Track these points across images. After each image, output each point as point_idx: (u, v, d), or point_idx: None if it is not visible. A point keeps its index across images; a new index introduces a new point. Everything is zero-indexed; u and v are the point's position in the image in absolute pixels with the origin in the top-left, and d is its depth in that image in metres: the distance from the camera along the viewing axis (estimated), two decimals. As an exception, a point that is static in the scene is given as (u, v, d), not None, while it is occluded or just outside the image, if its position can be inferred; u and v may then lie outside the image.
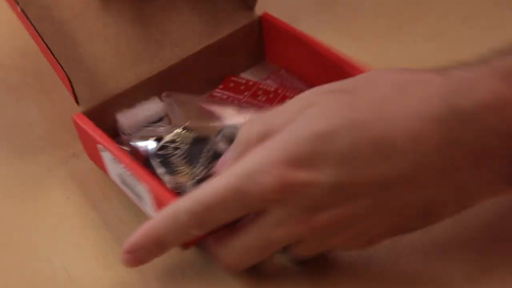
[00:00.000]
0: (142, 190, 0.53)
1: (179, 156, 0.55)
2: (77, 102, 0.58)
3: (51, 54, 0.56)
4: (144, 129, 0.59)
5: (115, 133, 0.59)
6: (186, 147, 0.55)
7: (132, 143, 0.57)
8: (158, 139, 0.56)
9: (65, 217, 0.56)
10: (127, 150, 0.57)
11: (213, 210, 0.47)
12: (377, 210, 0.46)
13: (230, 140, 0.54)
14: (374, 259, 0.53)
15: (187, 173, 0.54)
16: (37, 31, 0.56)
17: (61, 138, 0.59)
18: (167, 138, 0.56)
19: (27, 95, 0.64)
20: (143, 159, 0.56)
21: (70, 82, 0.56)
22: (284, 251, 0.50)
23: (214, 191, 0.47)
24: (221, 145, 0.55)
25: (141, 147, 0.56)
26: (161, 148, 0.56)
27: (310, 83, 0.60)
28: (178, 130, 0.57)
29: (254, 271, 0.53)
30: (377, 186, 0.46)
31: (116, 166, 0.55)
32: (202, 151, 0.55)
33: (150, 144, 0.56)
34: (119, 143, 0.57)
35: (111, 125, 0.59)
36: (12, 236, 0.56)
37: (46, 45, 0.56)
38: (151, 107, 0.60)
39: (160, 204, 0.52)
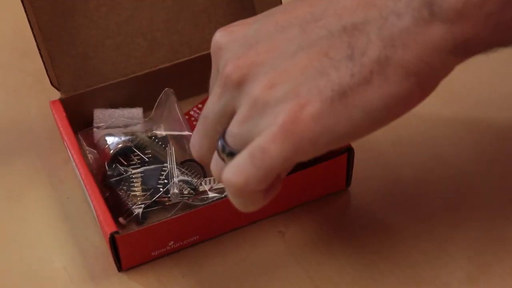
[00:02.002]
0: (91, 205, 0.54)
1: (137, 173, 0.55)
2: (54, 86, 0.57)
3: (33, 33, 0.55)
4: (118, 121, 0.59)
5: (91, 125, 0.59)
6: (145, 167, 0.55)
7: (100, 141, 0.57)
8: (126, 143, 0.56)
9: (65, 217, 0.56)
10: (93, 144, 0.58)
11: None
12: (305, 41, 0.44)
13: (181, 189, 0.55)
14: (374, 259, 0.53)
15: (138, 194, 0.55)
16: (24, 8, 0.55)
17: (61, 138, 0.59)
18: (140, 137, 0.56)
19: (27, 95, 0.64)
20: (106, 159, 0.56)
21: (45, 66, 0.56)
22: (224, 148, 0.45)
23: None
24: (174, 191, 0.55)
25: (106, 146, 0.56)
26: (124, 152, 0.56)
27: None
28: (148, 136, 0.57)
29: (254, 271, 0.53)
30: (304, 17, 0.45)
31: (74, 167, 0.56)
32: (158, 176, 0.55)
33: (115, 142, 0.56)
34: (89, 134, 0.58)
35: (88, 116, 0.59)
36: (12, 236, 0.56)
37: (30, 23, 0.55)
38: (131, 112, 0.59)
39: (102, 228, 0.52)
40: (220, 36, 0.47)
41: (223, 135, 0.45)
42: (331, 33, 0.44)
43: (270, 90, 0.43)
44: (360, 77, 0.42)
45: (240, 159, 0.44)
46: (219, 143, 0.45)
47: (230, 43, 0.47)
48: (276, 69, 0.44)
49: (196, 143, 0.48)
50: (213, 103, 0.46)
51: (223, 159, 0.45)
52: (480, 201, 0.56)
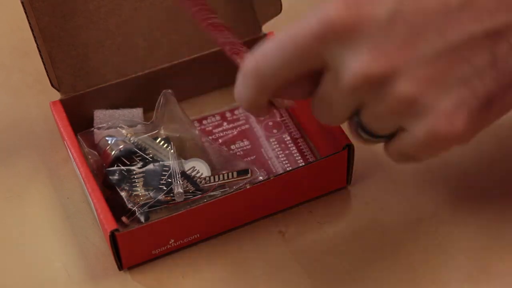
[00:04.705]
0: (92, 203, 0.54)
1: (139, 173, 0.55)
2: (54, 87, 0.57)
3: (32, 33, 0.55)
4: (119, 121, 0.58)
5: (91, 126, 0.59)
6: (146, 167, 0.55)
7: (101, 142, 0.57)
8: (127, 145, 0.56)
9: (65, 217, 0.56)
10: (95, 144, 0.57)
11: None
12: (442, 44, 0.42)
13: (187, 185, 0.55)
14: (374, 259, 0.53)
15: (140, 194, 0.55)
16: (24, 9, 0.55)
17: (61, 138, 0.59)
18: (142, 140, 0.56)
19: (27, 95, 0.64)
20: (108, 160, 0.56)
21: (45, 67, 0.56)
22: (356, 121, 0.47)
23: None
24: (178, 190, 0.55)
25: (108, 147, 0.56)
26: (126, 152, 0.56)
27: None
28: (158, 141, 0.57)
29: (254, 271, 0.53)
30: (438, 14, 0.42)
31: (75, 167, 0.56)
32: (160, 176, 0.55)
33: (116, 144, 0.56)
34: (89, 135, 0.58)
35: (89, 117, 0.59)
36: (12, 236, 0.56)
37: (30, 24, 0.55)
38: (131, 113, 0.59)
39: (102, 226, 0.52)
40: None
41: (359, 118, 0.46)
42: (472, 37, 0.42)
43: (415, 96, 0.42)
44: (504, 84, 0.43)
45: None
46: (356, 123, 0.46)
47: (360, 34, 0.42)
48: (415, 75, 0.42)
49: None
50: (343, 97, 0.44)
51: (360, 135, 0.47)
52: (480, 201, 0.56)
